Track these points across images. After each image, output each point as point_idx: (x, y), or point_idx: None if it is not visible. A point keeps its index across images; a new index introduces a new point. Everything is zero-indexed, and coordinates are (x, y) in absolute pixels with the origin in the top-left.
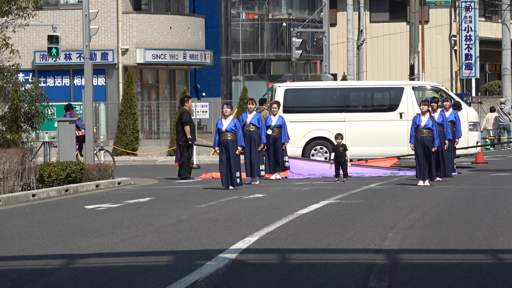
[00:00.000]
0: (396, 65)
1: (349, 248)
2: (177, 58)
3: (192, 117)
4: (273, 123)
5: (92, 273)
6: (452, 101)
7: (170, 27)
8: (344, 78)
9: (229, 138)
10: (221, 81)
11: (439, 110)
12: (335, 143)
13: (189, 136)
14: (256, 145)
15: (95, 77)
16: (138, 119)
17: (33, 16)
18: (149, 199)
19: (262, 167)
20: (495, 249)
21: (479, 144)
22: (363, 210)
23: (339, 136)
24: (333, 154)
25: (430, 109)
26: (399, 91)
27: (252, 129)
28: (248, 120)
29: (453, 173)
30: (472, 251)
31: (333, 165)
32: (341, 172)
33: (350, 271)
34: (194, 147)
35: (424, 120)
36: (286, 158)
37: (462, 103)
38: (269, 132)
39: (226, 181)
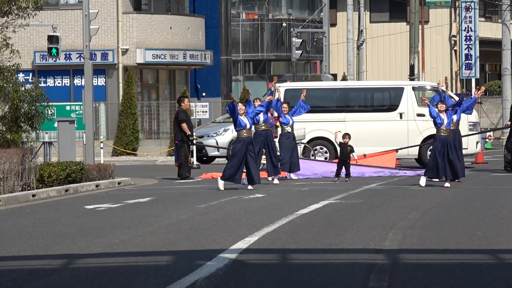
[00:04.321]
0: (396, 65)
1: (349, 248)
2: (177, 58)
3: (192, 117)
4: (290, 121)
5: (92, 273)
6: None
7: (170, 27)
8: (344, 78)
9: (247, 135)
10: (221, 81)
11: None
12: (342, 142)
13: (188, 132)
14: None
15: (95, 77)
16: (138, 119)
17: (33, 16)
18: (149, 199)
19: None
20: (495, 249)
21: (479, 144)
22: (363, 210)
23: (346, 135)
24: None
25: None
26: (399, 91)
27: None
28: (262, 118)
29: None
30: (472, 251)
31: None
32: (343, 171)
33: (350, 271)
34: (194, 147)
35: (445, 119)
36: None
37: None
38: (289, 129)
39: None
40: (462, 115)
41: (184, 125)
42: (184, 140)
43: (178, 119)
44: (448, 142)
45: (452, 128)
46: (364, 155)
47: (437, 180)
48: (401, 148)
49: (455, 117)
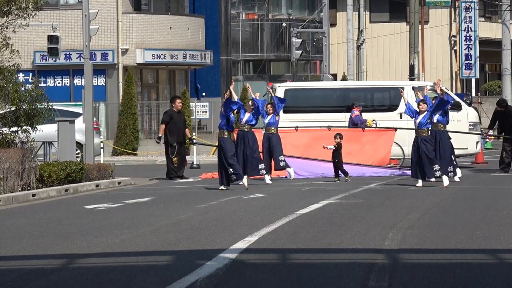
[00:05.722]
0: (396, 65)
1: (349, 248)
2: (177, 58)
3: (192, 117)
4: (266, 121)
5: (92, 273)
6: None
7: (170, 27)
8: (344, 78)
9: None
10: (221, 81)
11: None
12: (335, 143)
13: (161, 134)
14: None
15: (95, 77)
16: (138, 119)
17: (33, 16)
18: (149, 199)
19: (262, 166)
20: (495, 249)
21: (479, 144)
22: (363, 210)
23: (337, 136)
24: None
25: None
26: (399, 91)
27: (246, 129)
28: (244, 119)
29: (451, 174)
30: (472, 251)
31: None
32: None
33: (350, 271)
34: (194, 147)
35: (419, 118)
36: (282, 158)
37: (462, 103)
38: (263, 131)
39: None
40: (462, 114)
41: (162, 127)
42: (164, 141)
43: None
44: (421, 141)
45: (427, 129)
46: (363, 129)
47: (433, 180)
48: (401, 128)
49: (435, 118)
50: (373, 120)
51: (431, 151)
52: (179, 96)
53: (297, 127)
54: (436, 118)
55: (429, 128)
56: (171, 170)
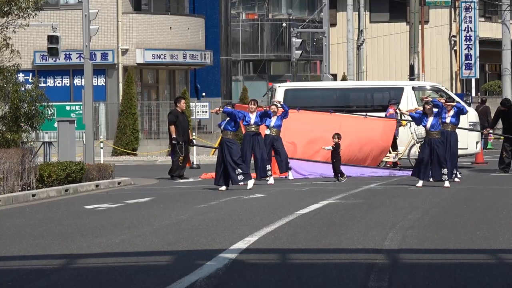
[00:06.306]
0: (396, 65)
1: (349, 248)
2: (177, 58)
3: (192, 117)
4: (272, 123)
5: (92, 273)
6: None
7: (170, 27)
8: (344, 78)
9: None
10: (221, 81)
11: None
12: (333, 143)
13: (173, 135)
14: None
15: (95, 77)
16: (138, 119)
17: (33, 17)
18: (149, 199)
19: (269, 166)
20: (495, 249)
21: (478, 144)
22: (363, 210)
23: (335, 135)
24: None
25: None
26: (399, 91)
27: (254, 129)
28: (252, 120)
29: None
30: (472, 251)
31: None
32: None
33: (350, 271)
34: (194, 147)
35: (430, 121)
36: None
37: (462, 103)
38: (267, 132)
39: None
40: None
41: (172, 128)
42: (170, 140)
43: (168, 121)
44: (435, 143)
45: (439, 130)
46: (365, 116)
47: (431, 180)
48: (401, 119)
49: (448, 119)
50: (407, 121)
51: (443, 154)
52: (183, 97)
53: (299, 107)
54: (449, 119)
55: (441, 130)
56: (175, 168)
